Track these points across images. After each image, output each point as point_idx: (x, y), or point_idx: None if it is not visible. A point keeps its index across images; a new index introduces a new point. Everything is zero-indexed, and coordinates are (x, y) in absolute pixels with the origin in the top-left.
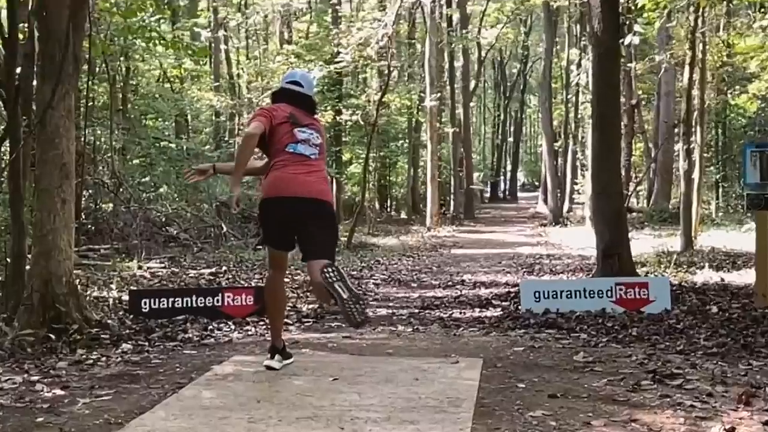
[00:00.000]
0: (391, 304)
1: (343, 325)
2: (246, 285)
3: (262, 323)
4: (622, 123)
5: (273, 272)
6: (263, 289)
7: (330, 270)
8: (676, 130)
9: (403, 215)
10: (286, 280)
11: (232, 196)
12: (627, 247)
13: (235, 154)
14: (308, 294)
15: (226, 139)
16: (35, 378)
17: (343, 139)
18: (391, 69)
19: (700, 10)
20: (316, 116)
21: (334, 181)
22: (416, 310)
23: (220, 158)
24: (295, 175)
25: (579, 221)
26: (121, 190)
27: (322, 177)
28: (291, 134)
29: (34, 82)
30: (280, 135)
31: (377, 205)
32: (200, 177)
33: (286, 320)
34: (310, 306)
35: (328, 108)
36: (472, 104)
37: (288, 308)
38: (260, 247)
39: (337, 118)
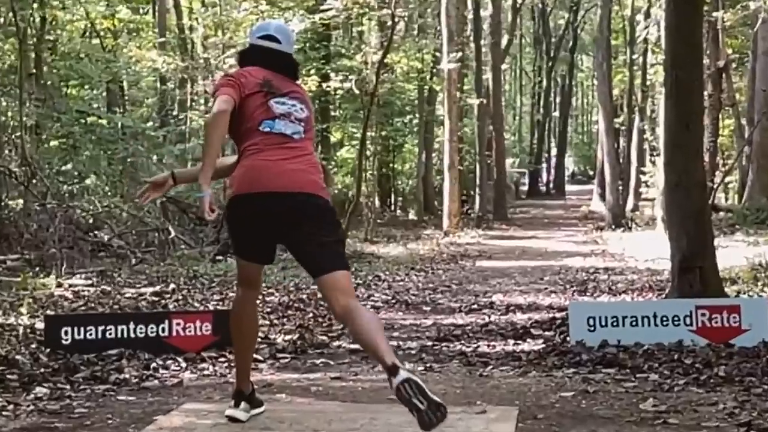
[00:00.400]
0: (396, 334)
1: (332, 362)
2: (201, 309)
3: (223, 360)
4: (706, 92)
5: (242, 291)
6: (226, 314)
7: (406, 386)
8: None
9: (411, 215)
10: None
11: (202, 197)
12: (712, 258)
13: (203, 142)
14: (285, 321)
15: (175, 113)
16: None
17: (332, 113)
18: (397, 20)
19: None
20: (298, 82)
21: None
22: (430, 343)
23: (168, 138)
24: (274, 162)
25: (648, 223)
26: (34, 181)
27: (312, 163)
28: (266, 108)
29: None
30: (251, 110)
31: (377, 202)
32: (156, 193)
33: (255, 356)
34: (288, 337)
35: (312, 72)
36: (504, 67)
37: (258, 339)
38: (220, 257)
39: (324, 85)
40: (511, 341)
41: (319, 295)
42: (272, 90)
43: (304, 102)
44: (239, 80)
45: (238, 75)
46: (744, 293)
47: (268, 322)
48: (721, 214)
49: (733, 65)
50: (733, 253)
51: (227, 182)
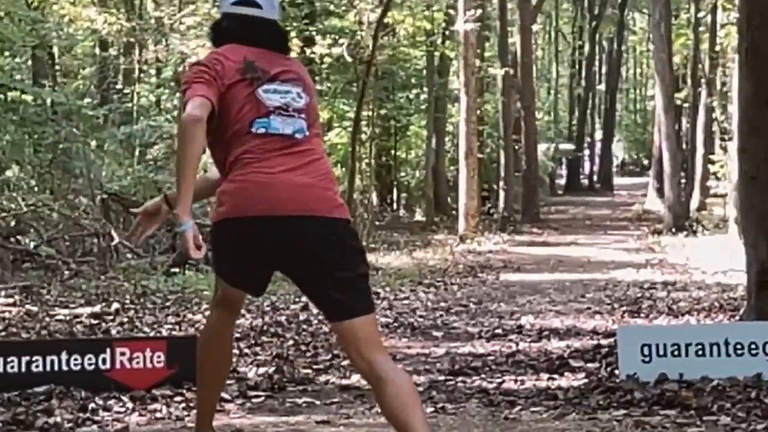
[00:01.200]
0: (399, 366)
1: (317, 402)
2: (152, 335)
3: (179, 399)
4: None
5: (219, 313)
6: (183, 342)
7: None
8: None
9: (418, 216)
10: None
11: (183, 232)
12: None
13: (176, 163)
14: (258, 350)
15: (119, 87)
16: None
17: (318, 87)
18: None
19: None
20: (289, 55)
21: None
22: (442, 377)
23: (110, 119)
24: (276, 176)
25: (717, 226)
26: None
27: (324, 172)
28: (255, 101)
29: None
30: (237, 107)
31: (375, 200)
32: (152, 226)
33: (222, 394)
34: (262, 370)
35: (292, 35)
36: (536, 28)
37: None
38: (176, 269)
39: (308, 51)
40: (545, 375)
41: (302, 317)
42: (257, 74)
43: (302, 82)
44: (213, 70)
45: (212, 62)
46: None
47: (237, 352)
48: None
49: None
50: None
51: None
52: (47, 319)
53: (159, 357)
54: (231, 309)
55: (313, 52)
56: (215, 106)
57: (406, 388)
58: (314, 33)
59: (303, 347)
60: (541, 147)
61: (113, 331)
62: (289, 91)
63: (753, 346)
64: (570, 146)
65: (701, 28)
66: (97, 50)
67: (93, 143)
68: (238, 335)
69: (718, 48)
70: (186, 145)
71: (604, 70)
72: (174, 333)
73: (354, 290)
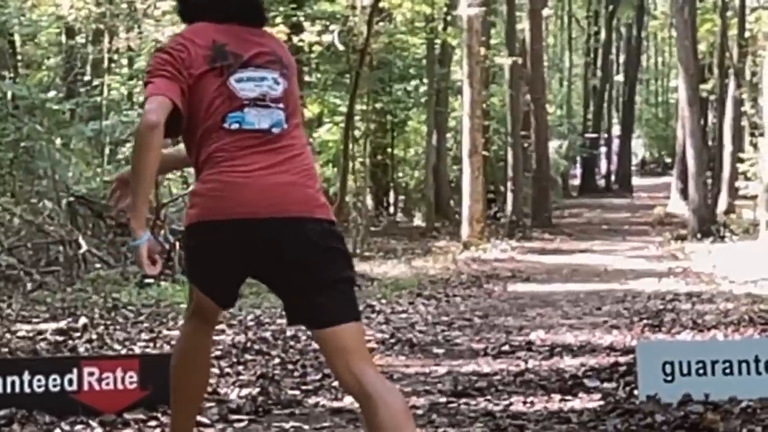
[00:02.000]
0: (397, 386)
1: (306, 427)
2: (124, 353)
3: (154, 424)
4: None
5: (195, 324)
6: (158, 360)
7: None
8: None
9: (418, 221)
10: None
11: (137, 246)
12: None
13: (132, 170)
14: (241, 369)
15: (87, 78)
16: None
17: (307, 78)
18: None
19: None
20: (266, 30)
21: None
22: (443, 399)
23: (77, 114)
24: (253, 175)
25: (747, 231)
26: None
27: (305, 168)
28: (227, 92)
29: None
30: (207, 100)
31: (370, 203)
32: (128, 195)
33: (200, 418)
34: (245, 391)
35: (278, 21)
36: (547, 13)
37: (204, 394)
38: (150, 280)
39: (295, 39)
40: (557, 396)
41: (289, 333)
42: (228, 60)
43: (279, 64)
44: (178, 59)
45: (176, 50)
46: None
47: (217, 371)
48: None
49: None
50: None
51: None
52: (8, 335)
53: (131, 377)
54: (207, 319)
55: (301, 40)
56: (180, 104)
57: (399, 407)
58: (302, 18)
59: (290, 366)
60: (554, 144)
61: (81, 349)
62: (265, 77)
63: None
64: (593, 135)
65: (729, 13)
66: (63, 38)
67: (58, 141)
68: (218, 353)
69: (747, 34)
70: (140, 153)
71: (621, 59)
72: (148, 351)
73: (338, 295)
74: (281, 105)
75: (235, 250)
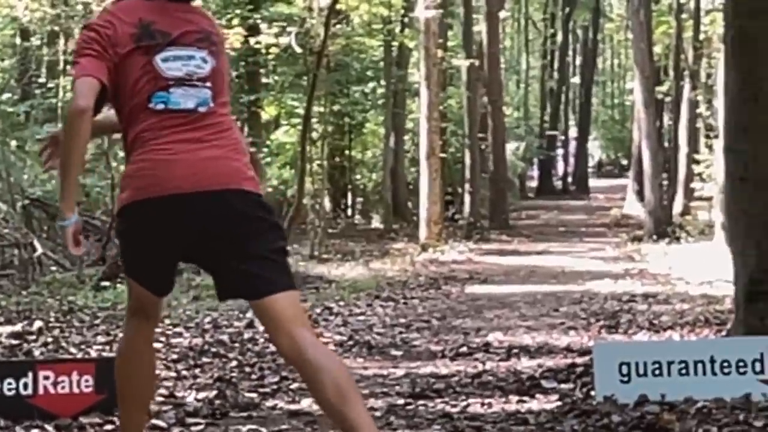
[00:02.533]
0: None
1: (264, 430)
2: (80, 356)
3: (110, 427)
4: None
5: (135, 324)
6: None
7: None
8: None
9: (376, 223)
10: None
11: (64, 227)
12: None
13: (60, 154)
14: (198, 372)
15: (42, 80)
16: None
17: (263, 80)
18: None
19: None
20: (196, 6)
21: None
22: (401, 401)
23: (32, 116)
24: (180, 152)
25: (703, 232)
26: None
27: (233, 143)
28: (153, 72)
29: None
30: (132, 79)
31: (328, 205)
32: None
33: (157, 422)
34: (202, 395)
35: (234, 23)
36: (504, 15)
37: (161, 398)
38: (107, 283)
39: (252, 41)
40: (514, 398)
41: (246, 336)
42: (155, 39)
43: (208, 42)
44: (104, 37)
45: (103, 27)
46: None
47: (174, 374)
48: None
49: None
50: None
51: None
52: None
53: (87, 381)
54: (148, 315)
55: (258, 42)
56: (107, 82)
57: (342, 374)
58: (259, 20)
59: (248, 369)
60: (511, 146)
61: (36, 353)
62: (192, 56)
63: (741, 364)
64: (553, 132)
65: (684, 15)
66: (18, 40)
67: (13, 143)
68: (175, 356)
69: (702, 37)
70: (69, 138)
71: (578, 61)
72: (104, 354)
73: (273, 264)
74: (208, 84)
75: (167, 227)
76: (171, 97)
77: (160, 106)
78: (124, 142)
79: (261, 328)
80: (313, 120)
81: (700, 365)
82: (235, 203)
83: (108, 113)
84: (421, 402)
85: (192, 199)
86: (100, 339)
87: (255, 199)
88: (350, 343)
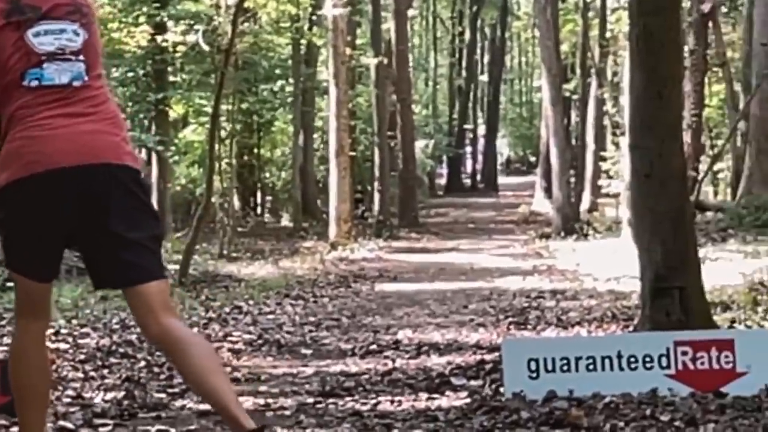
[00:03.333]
0: (263, 387)
1: (173, 430)
2: None
3: (17, 429)
4: (686, 48)
5: (24, 324)
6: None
7: None
8: None
9: (285, 221)
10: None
11: None
12: (696, 275)
13: None
14: (106, 373)
15: None
16: None
17: (171, 79)
18: None
19: None
20: None
21: (154, 158)
22: (311, 400)
23: None
24: (56, 127)
25: (610, 228)
26: None
27: (109, 116)
28: (25, 49)
29: None
30: (4, 56)
31: (237, 203)
32: None
33: (65, 423)
34: (110, 395)
35: (141, 21)
36: (412, 13)
37: (68, 399)
38: (12, 283)
39: (159, 39)
40: (424, 395)
41: None
42: (25, 13)
43: (79, 14)
44: None
45: None
46: (739, 323)
47: (81, 375)
48: (709, 214)
49: (723, 10)
50: (725, 267)
51: None
52: None
53: None
54: (37, 314)
55: (165, 40)
56: None
57: (209, 349)
58: (166, 18)
59: (156, 369)
60: (419, 144)
61: None
62: (64, 29)
63: (648, 359)
64: (469, 127)
65: (590, 14)
66: None
67: None
68: (82, 357)
69: (608, 35)
70: None
71: (486, 59)
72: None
73: (148, 252)
74: (81, 57)
75: (49, 203)
76: (44, 73)
77: (34, 83)
78: (2, 126)
79: None
80: (222, 118)
81: (607, 361)
82: (117, 176)
83: None
84: (330, 400)
85: (75, 173)
86: (6, 340)
87: (135, 175)
88: (260, 341)
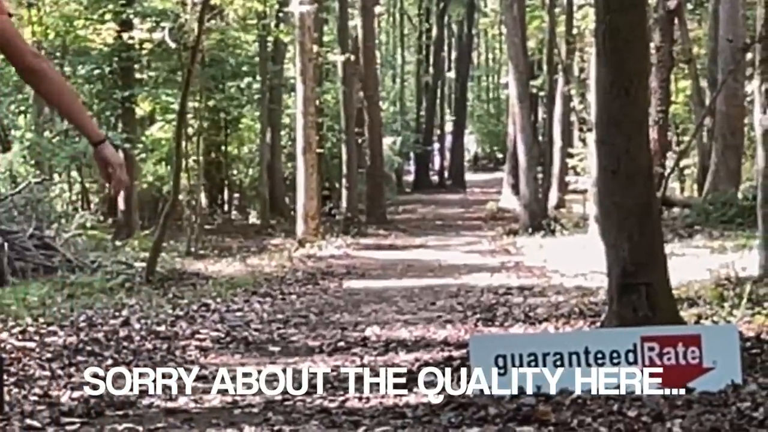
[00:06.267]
0: (231, 385)
1: (140, 429)
2: None
3: None
4: (652, 44)
5: None
6: None
7: None
8: (749, 56)
9: (253, 218)
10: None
11: None
12: (663, 271)
13: None
14: (73, 371)
15: None
16: None
17: (137, 76)
18: None
19: None
20: None
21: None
22: (279, 397)
23: None
24: None
25: (577, 225)
26: None
27: None
28: None
29: None
30: None
31: (204, 201)
32: None
33: (31, 421)
34: (77, 393)
35: (107, 17)
36: (379, 10)
37: (35, 398)
38: None
39: (125, 36)
40: (392, 392)
41: (122, 334)
42: None
43: None
44: None
45: None
46: (706, 318)
47: (48, 373)
48: (676, 210)
49: (689, 7)
50: (691, 263)
51: None
52: None
53: None
54: None
55: (131, 38)
56: None
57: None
58: (132, 16)
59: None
60: (387, 141)
61: None
62: None
63: (615, 355)
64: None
65: (557, 10)
66: None
67: None
68: (49, 355)
69: (575, 31)
70: None
71: (453, 55)
72: None
73: None
74: None
75: None
76: None
77: None
78: None
79: (137, 326)
80: (189, 116)
81: (575, 357)
82: None
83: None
84: (299, 398)
85: None
86: None
87: None
88: (227, 339)
